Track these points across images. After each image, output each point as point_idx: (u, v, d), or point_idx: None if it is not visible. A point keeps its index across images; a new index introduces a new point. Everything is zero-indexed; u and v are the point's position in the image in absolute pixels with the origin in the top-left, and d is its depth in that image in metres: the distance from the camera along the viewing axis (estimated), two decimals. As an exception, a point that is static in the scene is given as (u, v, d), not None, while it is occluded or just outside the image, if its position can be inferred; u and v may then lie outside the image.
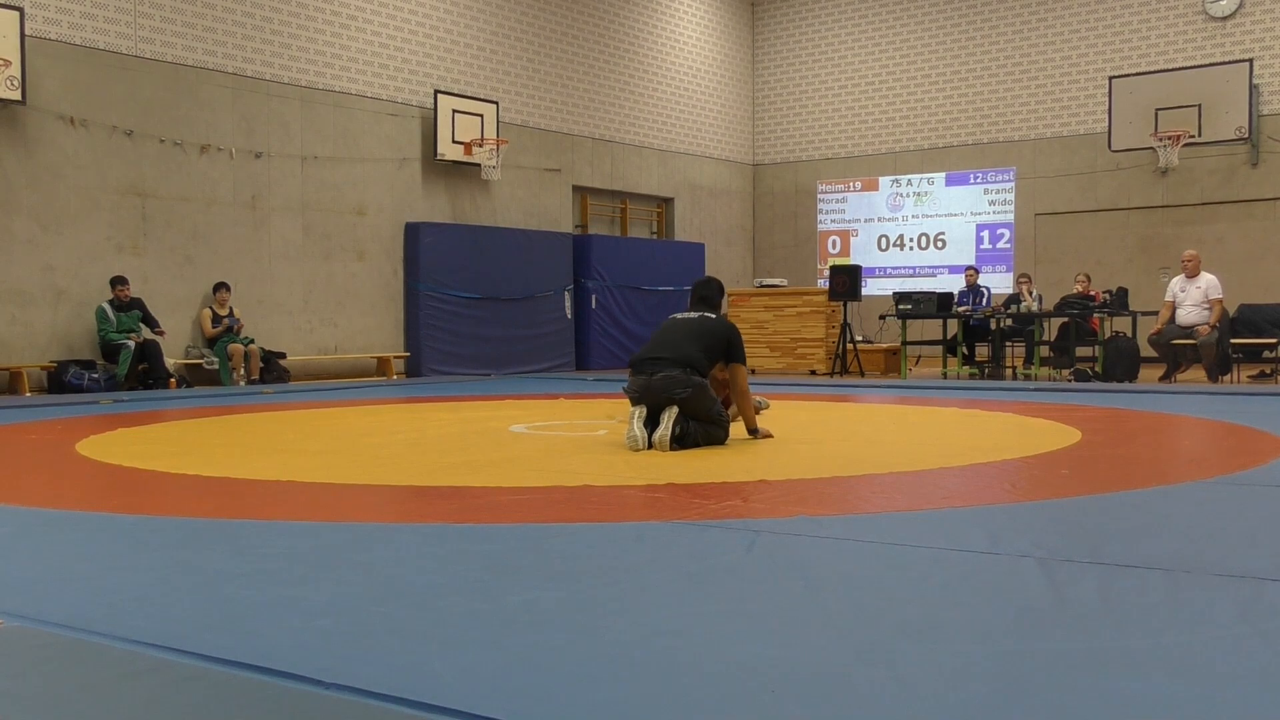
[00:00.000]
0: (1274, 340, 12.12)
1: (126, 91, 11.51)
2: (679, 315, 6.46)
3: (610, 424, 7.50)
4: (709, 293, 6.54)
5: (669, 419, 5.85)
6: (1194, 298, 11.86)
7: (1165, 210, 15.96)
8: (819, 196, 18.67)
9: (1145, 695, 2.07)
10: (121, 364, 10.93)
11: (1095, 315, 12.53)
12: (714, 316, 6.39)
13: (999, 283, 16.15)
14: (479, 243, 14.61)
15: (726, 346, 6.22)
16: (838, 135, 18.82)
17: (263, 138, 12.67)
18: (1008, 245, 17.15)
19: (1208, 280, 11.84)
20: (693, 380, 5.92)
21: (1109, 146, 15.45)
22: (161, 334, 11.30)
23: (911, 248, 17.98)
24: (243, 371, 11.90)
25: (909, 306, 13.30)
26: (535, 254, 15.22)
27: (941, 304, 13.26)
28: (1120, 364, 11.88)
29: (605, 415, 7.94)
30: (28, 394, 10.56)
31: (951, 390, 10.98)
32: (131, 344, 10.96)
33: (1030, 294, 13.33)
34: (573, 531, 3.82)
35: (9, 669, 2.29)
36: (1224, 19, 15.49)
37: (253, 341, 12.12)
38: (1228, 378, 11.88)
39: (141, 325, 11.19)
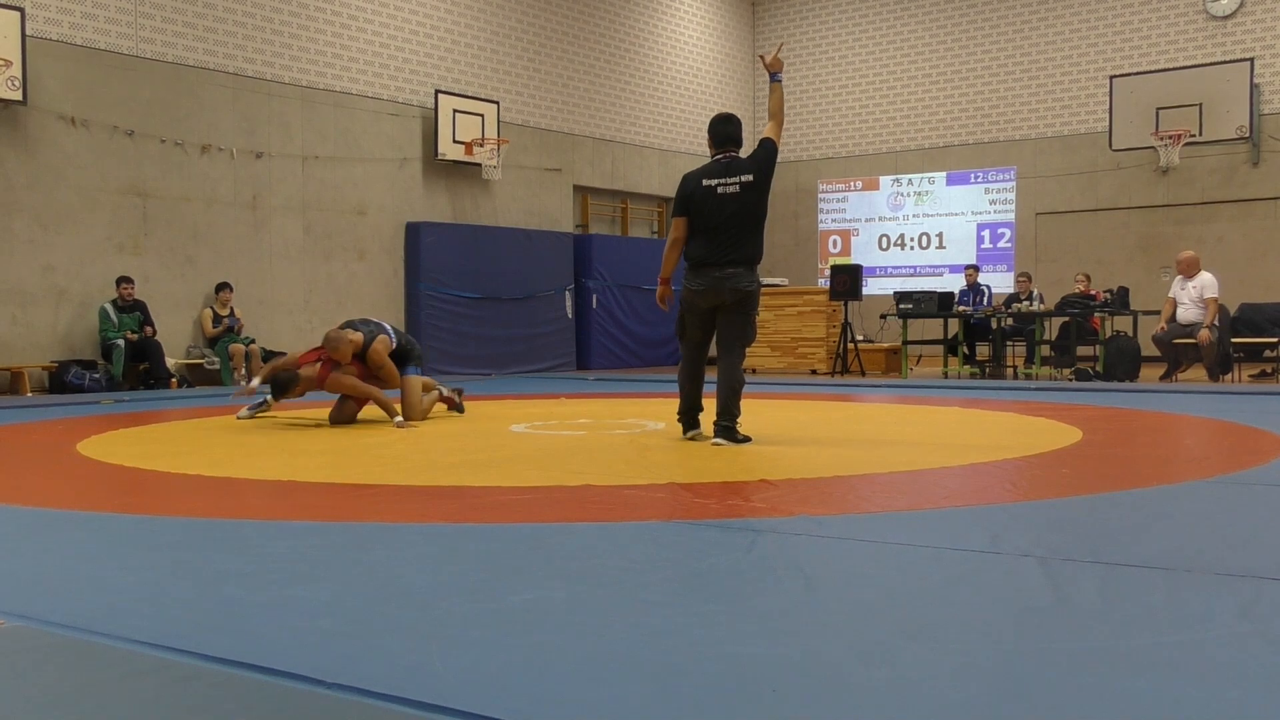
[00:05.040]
0: (1275, 340, 12.11)
1: (127, 91, 11.52)
2: (717, 189, 6.15)
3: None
4: (734, 130, 6.34)
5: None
6: (1192, 296, 11.88)
7: (1166, 209, 15.95)
8: (819, 196, 18.67)
9: (1145, 695, 2.07)
10: (115, 363, 10.93)
11: (1096, 315, 12.53)
12: (750, 176, 6.15)
13: (1000, 282, 16.15)
14: (479, 243, 14.61)
15: (767, 182, 6.22)
16: (838, 135, 18.82)
17: (263, 138, 12.67)
18: (1008, 244, 17.15)
19: (1204, 279, 11.85)
20: (754, 279, 6.28)
21: (1110, 146, 15.45)
22: (150, 335, 11.22)
23: (912, 247, 17.98)
24: (244, 371, 11.90)
25: (910, 306, 13.29)
26: (536, 254, 15.21)
27: (942, 303, 13.26)
28: (1121, 363, 11.88)
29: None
30: (29, 394, 10.57)
31: (952, 390, 10.98)
32: (122, 343, 10.96)
33: (1031, 293, 13.33)
34: (573, 531, 3.82)
35: (9, 669, 2.29)
36: (1224, 18, 15.49)
37: (253, 341, 12.13)
38: (1228, 377, 11.88)
39: (144, 328, 11.19)
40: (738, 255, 6.17)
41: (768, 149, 6.27)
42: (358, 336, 7.47)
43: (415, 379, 7.81)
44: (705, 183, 6.21)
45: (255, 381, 7.50)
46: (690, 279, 6.30)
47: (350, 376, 7.43)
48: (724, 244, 6.17)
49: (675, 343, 6.63)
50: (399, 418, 7.38)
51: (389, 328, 7.81)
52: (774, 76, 6.45)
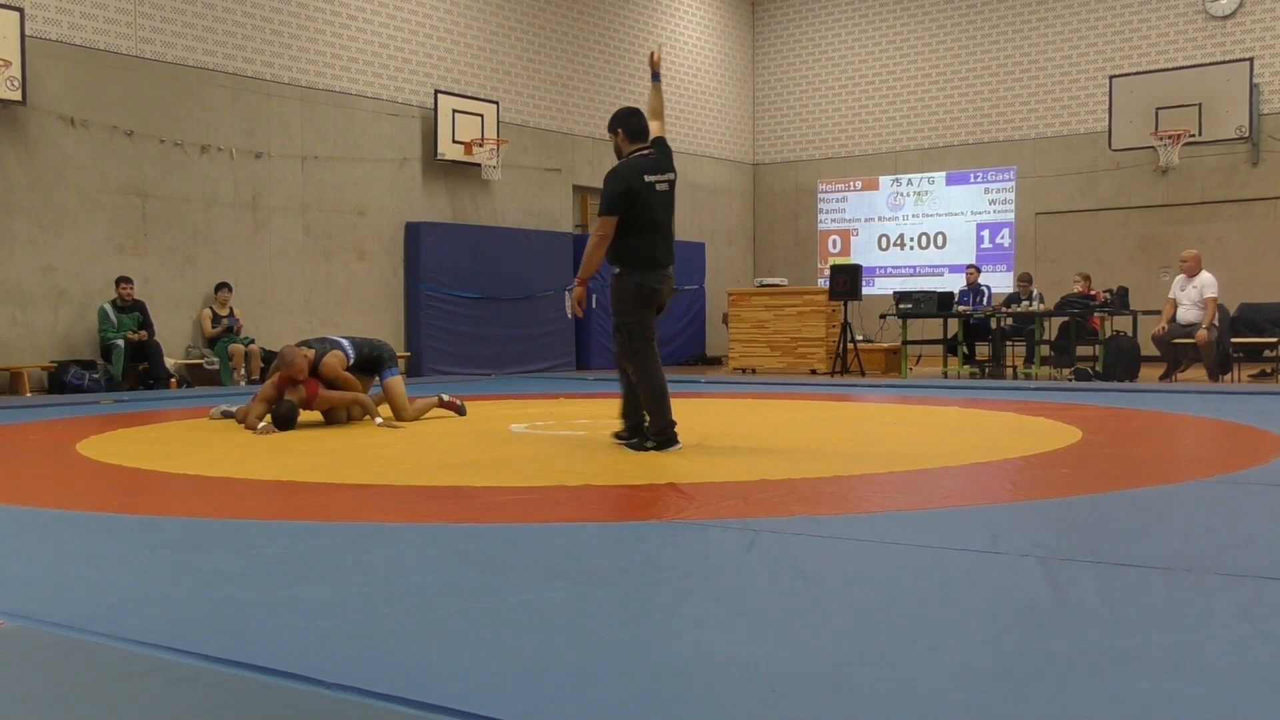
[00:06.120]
0: (1274, 339, 12.12)
1: (126, 91, 11.51)
2: (656, 186, 5.90)
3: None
4: (646, 124, 6.08)
5: None
6: (1192, 297, 11.87)
7: (1165, 209, 15.95)
8: (819, 196, 18.67)
9: (1145, 695, 2.07)
10: (115, 363, 10.93)
11: (1096, 314, 12.53)
12: (673, 175, 6.03)
13: (1000, 282, 16.15)
14: (479, 243, 14.61)
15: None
16: (838, 135, 18.82)
17: (263, 138, 12.67)
18: (1008, 244, 17.14)
19: (1204, 279, 11.85)
20: None
21: (1109, 145, 15.45)
22: (143, 338, 11.17)
23: (912, 247, 17.97)
24: (243, 371, 11.90)
25: (909, 306, 13.29)
26: (535, 254, 15.21)
27: (942, 303, 13.26)
28: (1120, 363, 11.88)
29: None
30: (28, 394, 10.57)
31: (952, 390, 10.98)
32: (122, 343, 10.96)
33: (1031, 294, 13.33)
34: (573, 531, 3.82)
35: (9, 669, 2.29)
36: (1224, 18, 15.49)
37: (253, 341, 12.13)
38: (1228, 377, 11.88)
39: (140, 330, 11.17)
40: (673, 255, 6.03)
41: (669, 148, 6.12)
42: (310, 352, 7.43)
43: (397, 380, 7.80)
44: (647, 179, 5.87)
45: (262, 425, 7.18)
46: (647, 276, 5.89)
47: (334, 391, 7.44)
48: (667, 243, 5.98)
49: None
50: (379, 419, 7.37)
51: (345, 342, 7.73)
52: (655, 76, 6.35)
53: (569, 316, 6.35)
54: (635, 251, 5.87)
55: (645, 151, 5.99)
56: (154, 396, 10.38)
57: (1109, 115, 15.41)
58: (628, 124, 6.05)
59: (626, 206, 5.81)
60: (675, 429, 5.91)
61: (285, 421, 7.09)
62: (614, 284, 5.98)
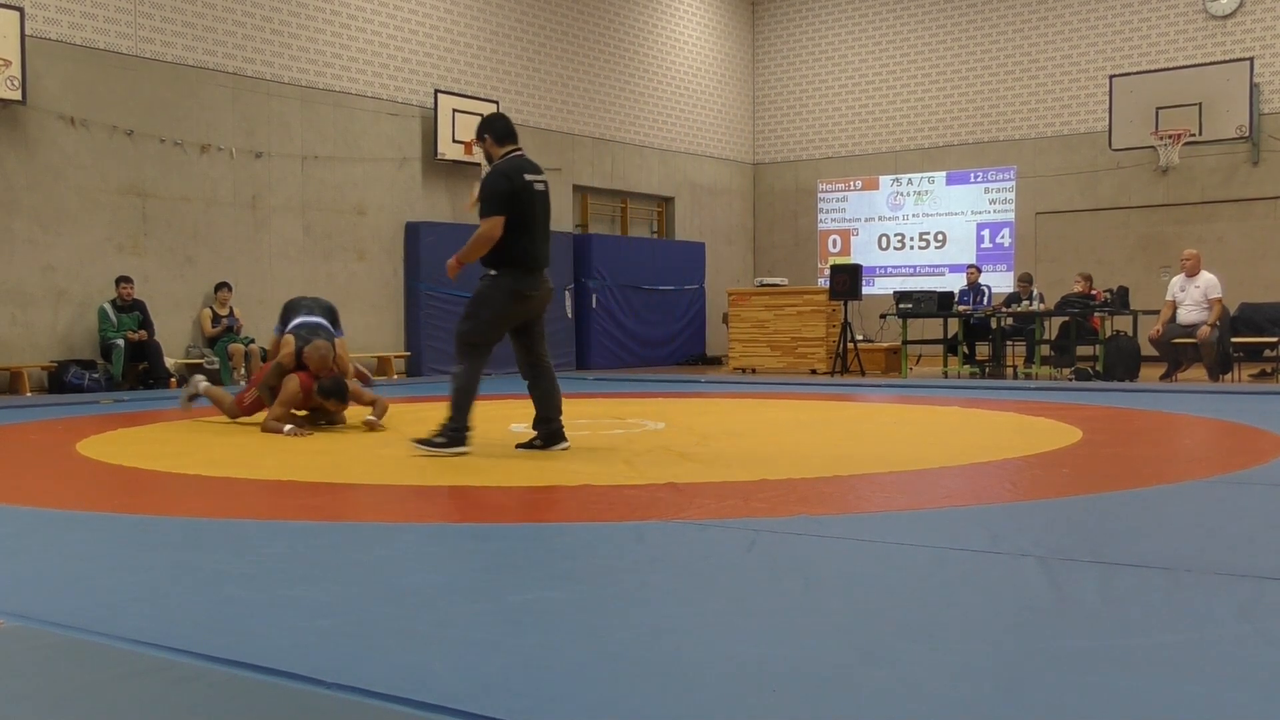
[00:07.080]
0: (1275, 339, 12.11)
1: (126, 91, 11.51)
2: (534, 186, 5.89)
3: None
4: (512, 127, 6.10)
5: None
6: (1194, 297, 11.85)
7: (1166, 209, 15.95)
8: (819, 195, 18.67)
9: (1145, 695, 2.07)
10: (115, 363, 10.93)
11: (1096, 314, 12.53)
12: (546, 177, 6.04)
13: (1000, 282, 16.15)
14: (479, 242, 14.60)
15: None
16: (838, 134, 18.81)
17: (263, 137, 12.67)
18: (1008, 244, 17.14)
19: (1207, 280, 11.84)
20: None
21: (1109, 145, 15.45)
22: (143, 338, 11.18)
23: (912, 247, 17.97)
24: (243, 371, 11.90)
25: (909, 305, 13.29)
26: (535, 253, 15.19)
27: (942, 303, 13.26)
28: (1121, 363, 11.88)
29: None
30: (28, 394, 10.57)
31: (952, 389, 10.98)
32: (122, 343, 10.96)
33: (1031, 294, 13.33)
34: (573, 531, 3.82)
35: (9, 669, 2.29)
36: (1224, 18, 15.49)
37: (253, 341, 12.12)
38: (1228, 377, 11.87)
39: (140, 329, 11.17)
40: (549, 257, 5.97)
41: None
42: (332, 348, 7.63)
43: (343, 340, 8.24)
44: (527, 178, 5.86)
45: (288, 428, 7.12)
46: (523, 280, 5.82)
47: (356, 387, 7.66)
48: (545, 244, 5.93)
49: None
50: (370, 417, 7.39)
51: (331, 329, 8.03)
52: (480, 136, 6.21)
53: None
54: (514, 253, 5.80)
55: (519, 152, 6.02)
56: (154, 396, 10.38)
57: (1109, 115, 15.41)
58: (493, 128, 6.05)
59: (512, 208, 5.76)
60: (470, 434, 5.85)
61: (339, 393, 7.25)
62: (486, 284, 5.90)
